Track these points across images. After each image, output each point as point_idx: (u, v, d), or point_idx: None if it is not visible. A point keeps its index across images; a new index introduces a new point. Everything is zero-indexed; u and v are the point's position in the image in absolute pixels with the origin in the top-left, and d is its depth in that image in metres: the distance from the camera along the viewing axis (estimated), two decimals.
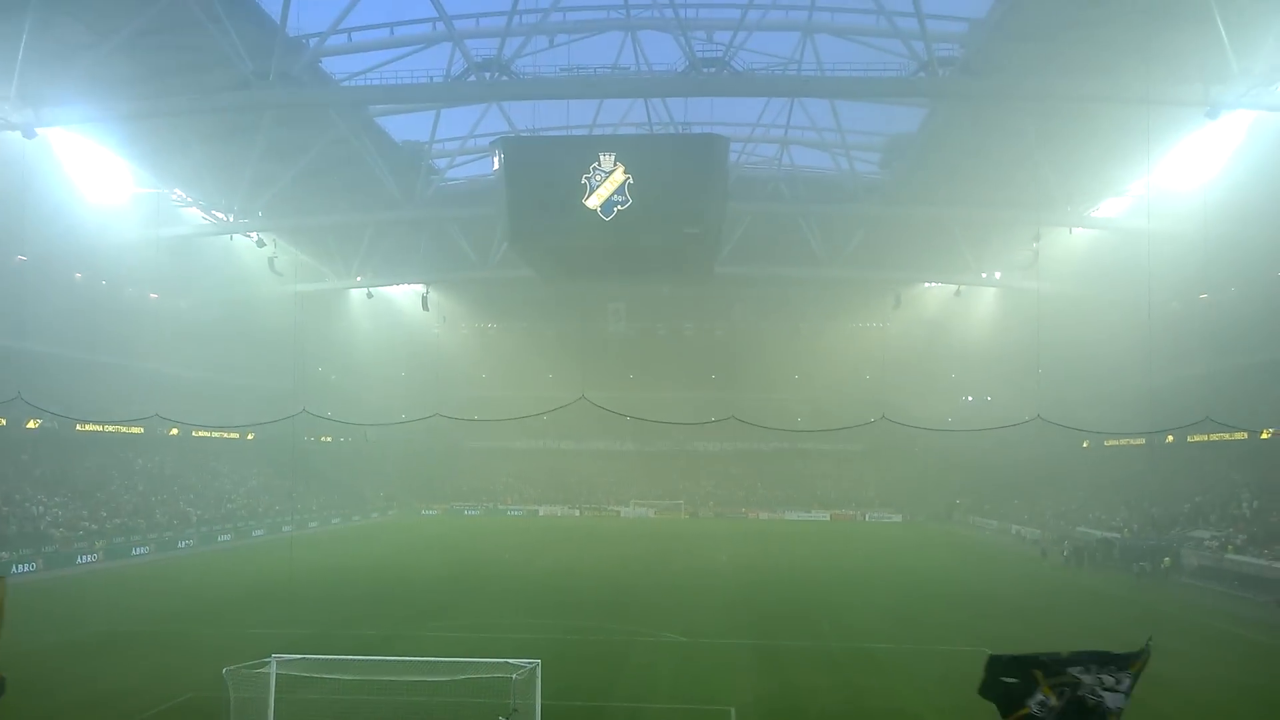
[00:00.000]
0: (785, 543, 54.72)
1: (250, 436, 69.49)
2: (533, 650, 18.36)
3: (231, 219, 53.56)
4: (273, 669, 16.56)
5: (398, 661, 18.56)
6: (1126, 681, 8.14)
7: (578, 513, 78.06)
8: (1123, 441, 58.99)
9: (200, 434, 64.93)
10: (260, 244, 55.83)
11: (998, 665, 8.62)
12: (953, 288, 66.31)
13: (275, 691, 16.40)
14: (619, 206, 45.87)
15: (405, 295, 72.67)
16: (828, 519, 74.63)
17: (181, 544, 50.01)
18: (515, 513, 78.64)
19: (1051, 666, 8.31)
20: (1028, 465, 67.89)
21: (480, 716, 16.20)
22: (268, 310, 62.03)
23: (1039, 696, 8.30)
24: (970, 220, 54.83)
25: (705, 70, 38.14)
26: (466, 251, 58.48)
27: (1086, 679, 8.19)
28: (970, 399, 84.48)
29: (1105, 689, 8.14)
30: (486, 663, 17.36)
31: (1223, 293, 49.87)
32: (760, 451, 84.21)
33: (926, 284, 69.50)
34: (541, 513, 78.28)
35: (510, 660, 16.81)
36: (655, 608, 30.42)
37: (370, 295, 71.87)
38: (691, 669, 21.90)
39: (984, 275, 62.64)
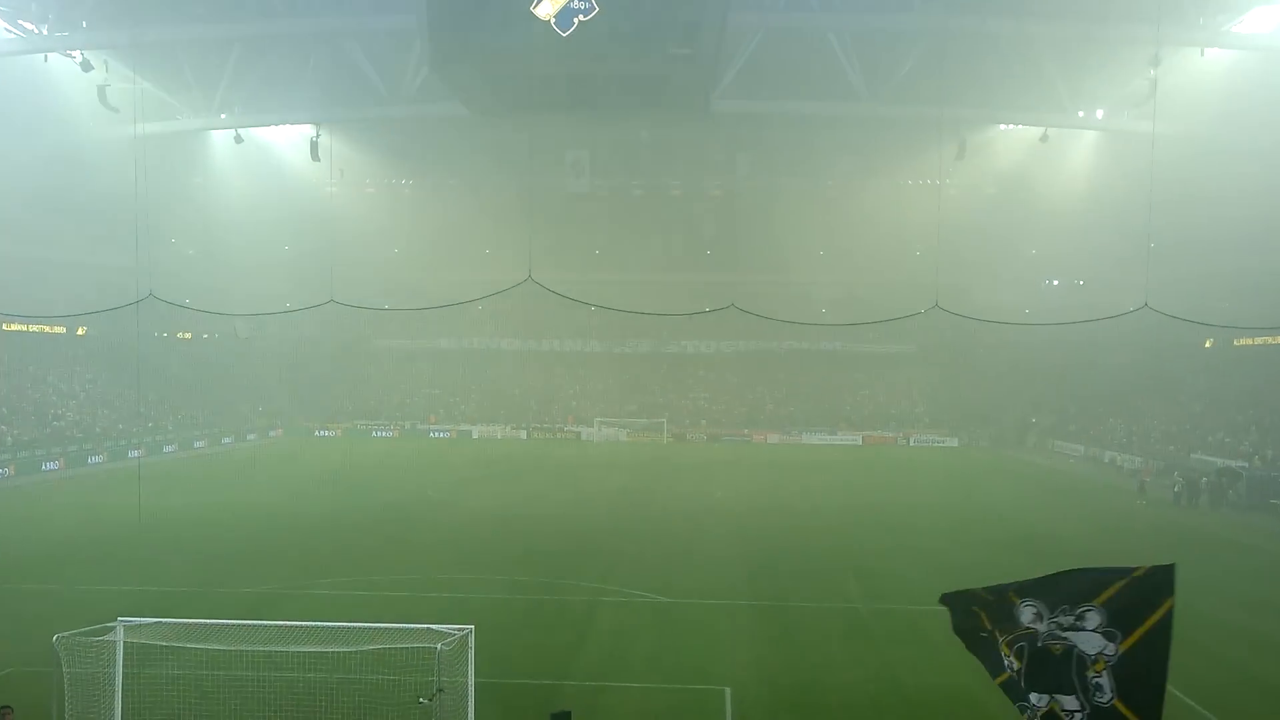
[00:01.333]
0: (801, 475, 55.65)
1: (81, 332, 69.07)
2: (464, 614, 18.80)
3: (45, 31, 51.85)
4: (118, 636, 16.86)
5: (285, 627, 18.86)
6: (1095, 617, 8.54)
7: (524, 435, 78.87)
8: (1258, 340, 59.85)
9: (11, 327, 64.42)
10: (86, 67, 54.30)
11: (955, 607, 9.45)
12: (1038, 131, 65.95)
13: (123, 665, 16.77)
14: (580, 16, 44.81)
15: (288, 141, 71.46)
16: (860, 443, 75.88)
17: None
18: (441, 435, 79.37)
19: (997, 609, 8.96)
20: (1129, 372, 69.04)
21: (395, 698, 16.70)
22: (99, 161, 60.77)
23: (1006, 659, 8.97)
24: (1065, 38, 54.02)
25: None
26: (371, 79, 57.16)
27: (1040, 627, 8.76)
28: (1055, 283, 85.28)
29: (1066, 630, 8.65)
30: (403, 629, 17.76)
31: None
32: (770, 353, 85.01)
33: (1002, 126, 69.05)
34: (476, 435, 78.99)
35: (434, 626, 17.21)
36: (627, 559, 31.06)
37: (240, 140, 70.62)
38: (674, 637, 22.51)
39: (1081, 114, 62.24)
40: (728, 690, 18.91)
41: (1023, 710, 8.95)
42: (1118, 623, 8.46)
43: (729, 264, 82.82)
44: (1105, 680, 8.47)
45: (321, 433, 78.51)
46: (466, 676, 16.86)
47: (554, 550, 32.47)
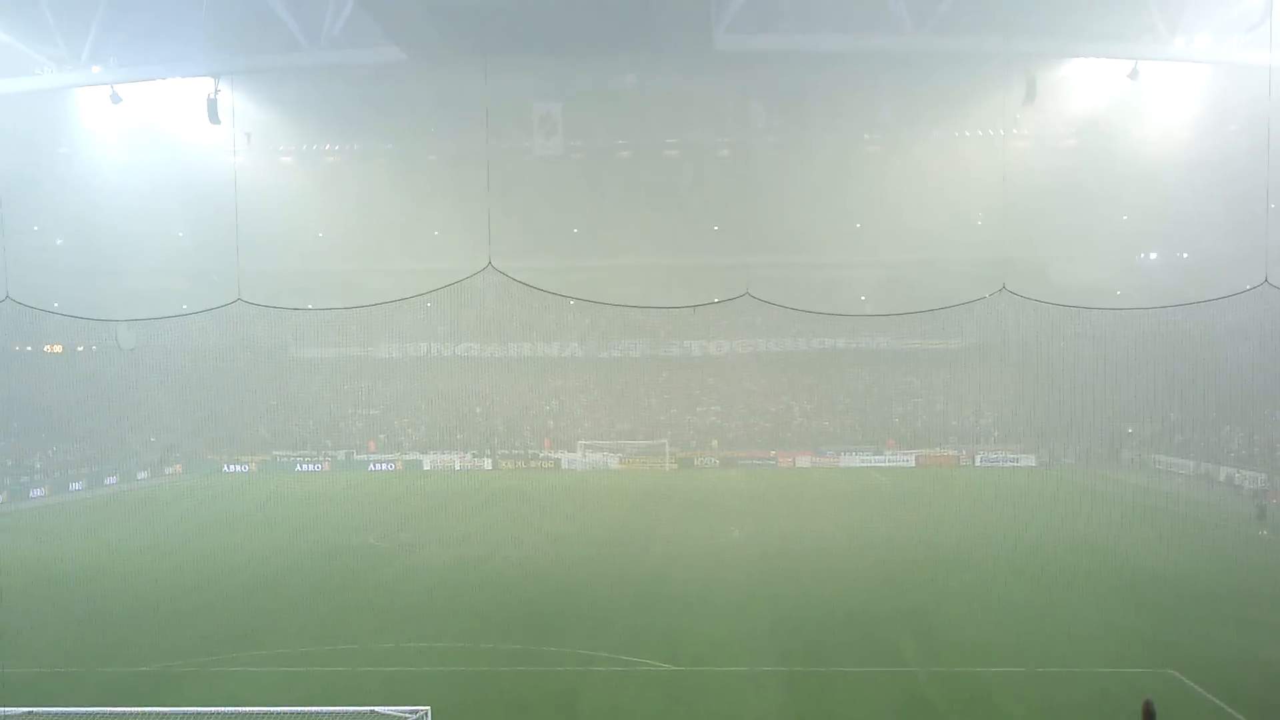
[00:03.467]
0: (840, 506, 55.79)
1: None
2: (420, 692, 18.80)
3: None
4: None
5: (191, 714, 18.88)
6: None
7: (489, 464, 79.04)
8: None
9: None
10: None
11: None
12: (1127, 65, 65.98)
13: None
14: None
15: (179, 100, 71.23)
16: (913, 465, 76.04)
17: None
18: (383, 466, 79.48)
19: None
20: (1248, 368, 69.15)
21: None
22: None
23: None
24: None
25: None
26: (283, 19, 57.11)
27: None
28: (1153, 257, 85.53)
29: None
30: (341, 712, 17.79)
31: None
32: (797, 354, 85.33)
33: (1081, 61, 69.13)
34: (428, 465, 79.22)
35: (380, 709, 17.25)
36: (622, 618, 31.14)
37: (117, 100, 70.31)
38: (685, 712, 22.59)
39: (1180, 44, 62.33)
40: None
41: None
42: None
43: (742, 243, 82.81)
44: None
45: (231, 468, 78.54)
46: None
47: (530, 608, 32.49)
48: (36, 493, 64.74)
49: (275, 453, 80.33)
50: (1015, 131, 73.36)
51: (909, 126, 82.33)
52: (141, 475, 75.01)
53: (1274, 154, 43.26)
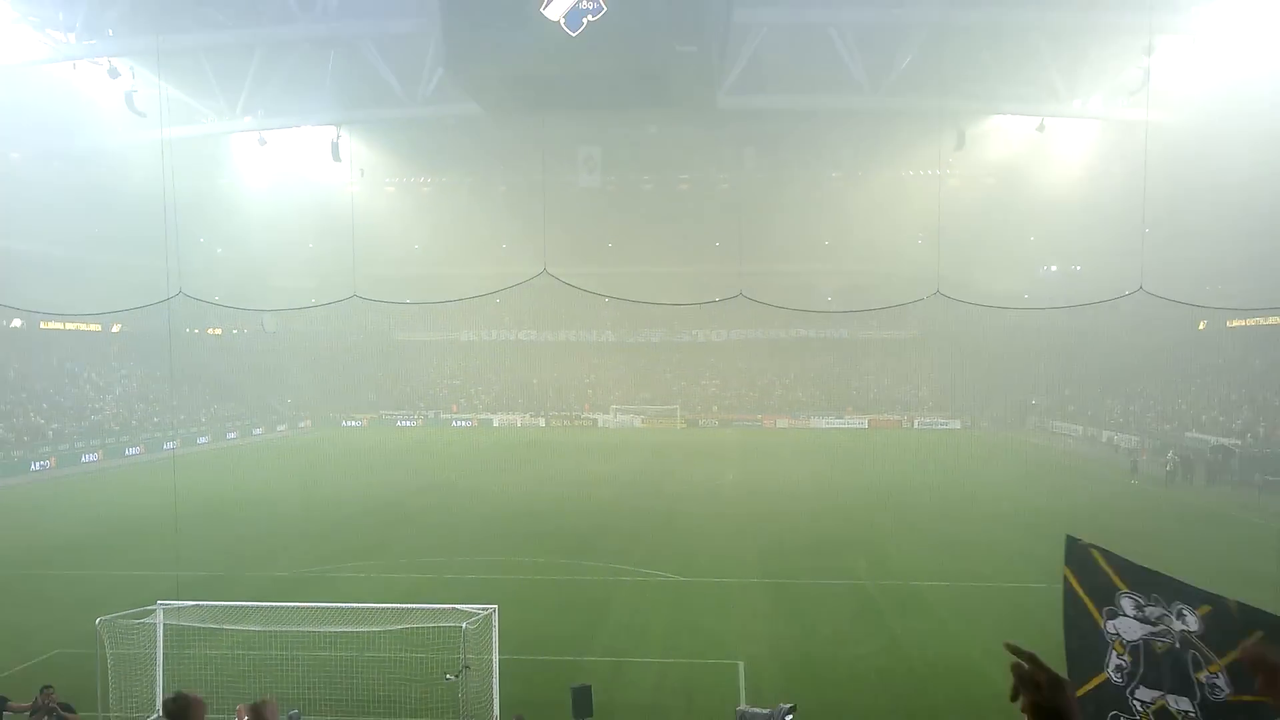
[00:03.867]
0: (810, 458, 55.78)
1: (116, 329, 69.51)
2: (489, 594, 18.92)
3: (73, 40, 51.92)
4: (159, 619, 17.07)
5: (316, 608, 19.05)
6: (1193, 621, 8.24)
7: (543, 423, 79.12)
8: (1250, 321, 59.75)
9: (50, 325, 64.85)
10: (114, 74, 54.42)
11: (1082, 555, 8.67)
12: (1035, 121, 65.51)
13: (163, 646, 16.95)
14: (589, 17, 44.74)
15: (310, 143, 71.39)
16: (866, 427, 75.93)
17: (36, 465, 50.87)
18: (463, 423, 79.64)
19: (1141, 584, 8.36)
20: (1126, 355, 68.90)
21: (423, 675, 16.82)
22: (128, 164, 60.95)
23: (1116, 656, 8.47)
24: (1060, 28, 53.67)
25: None
26: (388, 81, 57.13)
27: (1148, 620, 8.33)
28: (1054, 269, 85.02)
29: (1175, 627, 8.28)
30: (430, 609, 17.89)
31: None
32: (779, 341, 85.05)
33: (999, 117, 68.64)
34: (496, 423, 79.27)
35: (460, 606, 17.34)
36: (644, 540, 31.25)
37: (263, 142, 70.54)
38: (689, 615, 22.68)
39: (1077, 104, 61.85)
40: (741, 664, 19.04)
41: (1130, 710, 8.53)
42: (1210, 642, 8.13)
43: (736, 255, 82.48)
44: (1221, 679, 8.08)
45: (348, 423, 78.86)
46: (491, 654, 17.00)
47: (573, 532, 32.64)
48: (202, 440, 65.22)
49: (381, 412, 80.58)
50: (948, 171, 72.94)
51: (865, 167, 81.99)
52: (280, 428, 75.42)
53: (1148, 190, 42.97)
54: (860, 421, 77.00)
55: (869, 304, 61.00)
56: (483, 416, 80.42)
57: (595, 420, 79.01)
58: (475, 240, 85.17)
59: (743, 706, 15.20)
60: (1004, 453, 57.42)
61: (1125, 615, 8.24)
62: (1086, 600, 8.55)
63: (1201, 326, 65.45)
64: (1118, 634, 8.28)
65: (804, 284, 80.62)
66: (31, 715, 13.62)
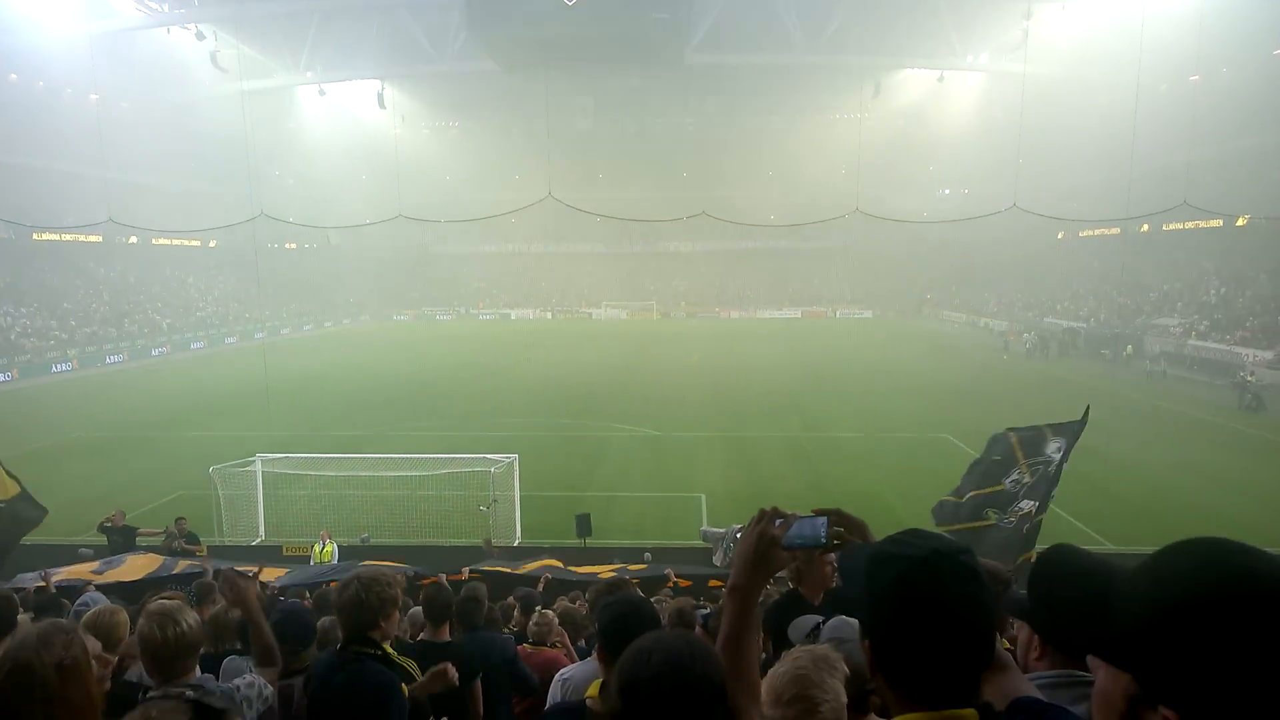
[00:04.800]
0: (756, 341, 56.00)
1: (212, 244, 68.42)
2: (510, 446, 19.18)
3: (166, 9, 50.26)
4: (258, 467, 17.29)
5: (378, 458, 19.31)
6: (1060, 446, 9.16)
7: (550, 316, 78.90)
8: (1098, 232, 59.74)
9: (159, 242, 63.87)
10: (200, 36, 52.70)
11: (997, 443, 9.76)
12: (935, 74, 64.24)
13: (262, 488, 17.19)
14: None
15: (360, 93, 69.43)
16: (799, 317, 76.05)
17: (155, 351, 50.72)
18: (487, 317, 79.32)
19: (1030, 441, 9.40)
20: (1001, 259, 68.90)
21: (461, 507, 17.16)
22: (215, 111, 59.38)
23: (1014, 474, 9.34)
24: None
25: None
26: (421, 41, 55.36)
27: (1054, 456, 9.16)
28: (947, 192, 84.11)
29: (1056, 459, 9.10)
30: (466, 458, 18.15)
31: (1215, 76, 48.60)
32: (732, 250, 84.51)
33: (908, 70, 67.19)
34: (514, 316, 79.02)
35: (489, 455, 17.59)
36: (629, 405, 31.49)
37: (323, 93, 68.69)
38: (664, 460, 23.04)
39: (969, 59, 60.59)
40: (703, 496, 19.46)
41: (1012, 512, 9.25)
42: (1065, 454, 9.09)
43: (701, 183, 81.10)
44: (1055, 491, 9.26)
45: (397, 317, 78.43)
46: (514, 491, 17.33)
47: (575, 399, 32.84)
48: (284, 331, 64.89)
49: (422, 308, 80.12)
50: (866, 115, 71.39)
51: (801, 111, 79.97)
52: (345, 320, 75.04)
53: (1024, 128, 42.44)
54: (795, 313, 77.08)
55: (804, 219, 60.49)
56: (502, 311, 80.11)
57: (590, 314, 78.83)
58: (494, 172, 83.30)
59: (705, 527, 15.67)
60: (905, 336, 57.87)
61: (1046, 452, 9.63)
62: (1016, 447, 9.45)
63: (1060, 236, 65.28)
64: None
65: (753, 205, 79.47)
66: (165, 539, 13.86)
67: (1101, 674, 1.33)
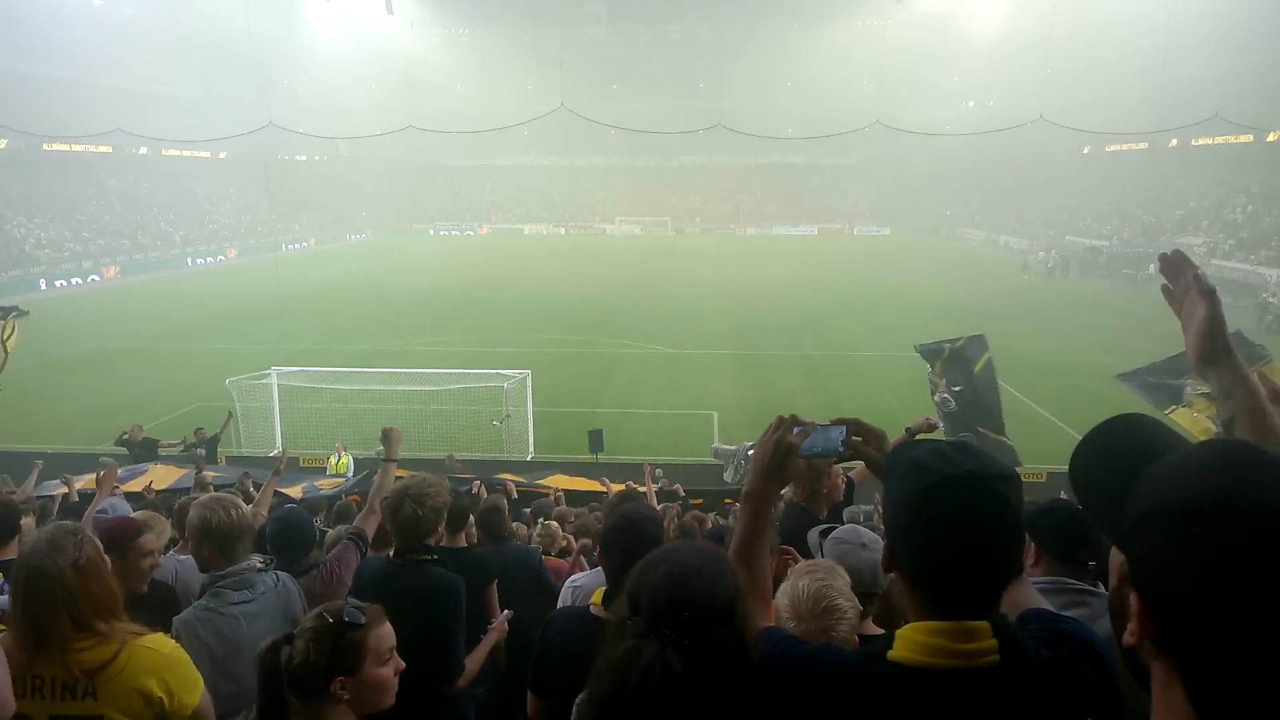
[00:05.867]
0: (771, 259, 55.44)
1: (223, 155, 67.78)
2: (523, 363, 19.24)
3: None
4: (273, 380, 17.44)
5: (393, 373, 19.41)
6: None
7: (563, 231, 78.22)
8: (1125, 146, 58.18)
9: (169, 153, 63.25)
10: None
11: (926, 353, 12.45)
12: None
13: (278, 400, 17.37)
14: None
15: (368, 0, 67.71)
16: (815, 234, 75.13)
17: (167, 263, 50.78)
18: (499, 230, 78.73)
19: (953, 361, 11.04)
20: (1024, 174, 67.40)
21: (475, 422, 17.32)
22: (221, 16, 57.99)
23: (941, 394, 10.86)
24: None
25: None
26: None
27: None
28: (972, 104, 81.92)
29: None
30: (479, 373, 18.24)
31: None
32: (749, 165, 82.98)
33: None
34: (527, 232, 78.41)
35: (502, 371, 17.66)
36: (642, 322, 31.36)
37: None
38: (677, 378, 23.06)
39: None
40: (715, 414, 19.55)
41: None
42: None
43: (717, 94, 79.34)
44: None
45: (409, 230, 77.93)
46: (527, 407, 17.44)
47: (587, 316, 32.70)
48: (295, 245, 64.76)
49: (434, 222, 79.53)
50: (888, 22, 69.26)
51: (822, 20, 77.65)
52: (355, 236, 74.64)
53: (1051, 39, 41.00)
54: (811, 230, 76.10)
55: (824, 132, 59.24)
56: (515, 227, 79.47)
57: (604, 229, 78.10)
58: (506, 81, 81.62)
59: (717, 445, 15.77)
60: (923, 254, 57.21)
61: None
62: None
63: (1086, 151, 63.72)
64: None
65: (771, 118, 77.69)
66: (184, 450, 14.09)
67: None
